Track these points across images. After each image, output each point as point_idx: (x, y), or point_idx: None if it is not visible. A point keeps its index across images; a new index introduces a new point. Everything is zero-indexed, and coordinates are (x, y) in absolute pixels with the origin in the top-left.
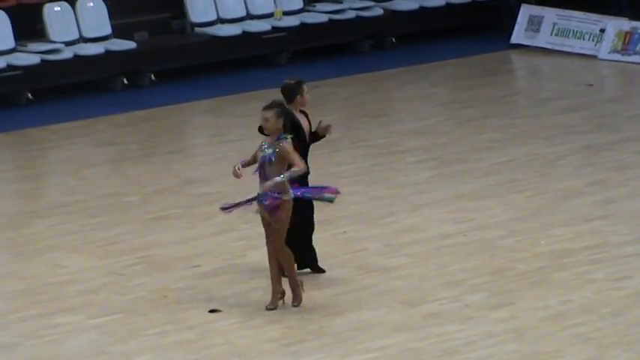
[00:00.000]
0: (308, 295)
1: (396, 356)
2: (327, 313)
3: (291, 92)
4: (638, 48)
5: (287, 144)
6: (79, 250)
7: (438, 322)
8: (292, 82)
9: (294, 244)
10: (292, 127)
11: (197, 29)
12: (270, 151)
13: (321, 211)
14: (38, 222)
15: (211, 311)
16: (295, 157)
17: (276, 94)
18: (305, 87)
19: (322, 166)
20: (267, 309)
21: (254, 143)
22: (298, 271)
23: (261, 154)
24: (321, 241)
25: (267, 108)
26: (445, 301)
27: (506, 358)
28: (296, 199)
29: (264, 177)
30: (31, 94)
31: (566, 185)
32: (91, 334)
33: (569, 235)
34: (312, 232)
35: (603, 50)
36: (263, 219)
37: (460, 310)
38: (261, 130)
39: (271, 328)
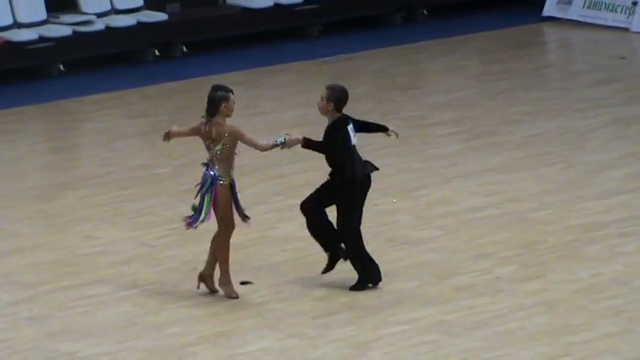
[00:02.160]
0: (339, 267)
1: (426, 329)
2: None
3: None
4: None
5: None
6: (111, 221)
7: (468, 295)
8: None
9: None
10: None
11: (229, 1)
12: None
13: None
14: (70, 193)
15: (242, 283)
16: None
17: (306, 66)
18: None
19: None
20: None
21: (285, 115)
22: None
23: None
24: None
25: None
26: (476, 273)
27: (537, 330)
28: None
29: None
30: (63, 66)
31: (598, 158)
32: (123, 305)
33: (600, 208)
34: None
35: (635, 23)
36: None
37: (491, 282)
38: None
39: (302, 300)
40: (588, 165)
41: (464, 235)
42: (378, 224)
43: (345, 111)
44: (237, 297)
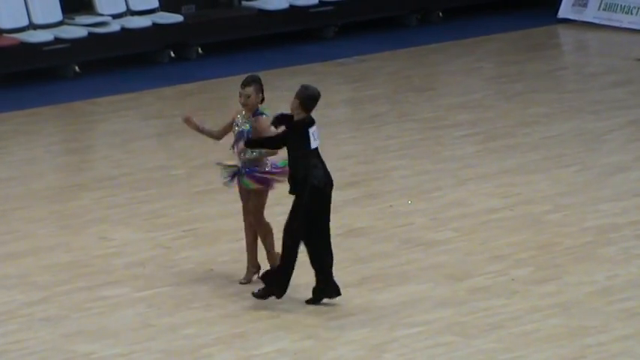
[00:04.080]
0: (354, 269)
1: (441, 330)
2: (373, 288)
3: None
4: None
5: (264, 119)
6: (126, 223)
7: (483, 297)
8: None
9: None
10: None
11: (244, 2)
12: (247, 126)
13: (367, 186)
14: (85, 195)
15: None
16: (270, 134)
17: (321, 68)
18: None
19: (369, 140)
20: (241, 283)
21: None
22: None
23: (237, 129)
24: (367, 215)
25: (246, 84)
26: (491, 275)
27: (552, 332)
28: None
29: (238, 152)
30: (79, 67)
31: (613, 160)
32: (138, 306)
33: (615, 210)
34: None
35: None
36: (241, 193)
37: (506, 284)
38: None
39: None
40: (604, 167)
41: (479, 237)
42: (394, 226)
43: (361, 112)
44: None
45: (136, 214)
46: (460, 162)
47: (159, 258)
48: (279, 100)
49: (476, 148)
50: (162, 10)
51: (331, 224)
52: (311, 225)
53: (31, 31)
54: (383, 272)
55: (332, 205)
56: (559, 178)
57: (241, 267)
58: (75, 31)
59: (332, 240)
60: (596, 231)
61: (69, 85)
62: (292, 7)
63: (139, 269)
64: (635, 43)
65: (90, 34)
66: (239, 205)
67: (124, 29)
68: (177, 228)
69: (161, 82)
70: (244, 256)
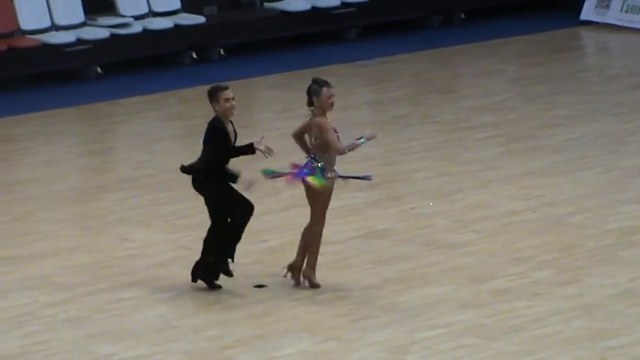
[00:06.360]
0: (376, 271)
1: (463, 332)
2: (395, 289)
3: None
4: None
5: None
6: (148, 224)
7: (506, 299)
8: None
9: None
10: (220, 135)
11: (266, 4)
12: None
13: (389, 188)
14: (107, 196)
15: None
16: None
17: (343, 69)
18: (228, 92)
19: (391, 142)
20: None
21: None
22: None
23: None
24: (389, 217)
25: (331, 85)
26: (513, 277)
27: (574, 334)
28: None
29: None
30: (101, 68)
31: (636, 162)
32: (159, 308)
33: (638, 213)
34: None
35: None
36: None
37: (528, 286)
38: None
39: (339, 303)
40: (626, 169)
41: (501, 239)
42: (415, 228)
43: (383, 113)
44: (319, 286)
45: (157, 216)
46: (482, 164)
47: (180, 259)
48: (301, 101)
49: (498, 150)
50: (184, 12)
51: (353, 225)
52: None
53: (53, 33)
54: (405, 274)
55: (353, 207)
56: (581, 180)
57: (262, 268)
58: (97, 32)
59: (354, 241)
60: (618, 233)
61: (90, 86)
62: (314, 9)
63: (161, 270)
64: None
65: (112, 35)
66: (260, 206)
67: (145, 30)
68: (198, 229)
69: (183, 84)
70: (265, 257)
